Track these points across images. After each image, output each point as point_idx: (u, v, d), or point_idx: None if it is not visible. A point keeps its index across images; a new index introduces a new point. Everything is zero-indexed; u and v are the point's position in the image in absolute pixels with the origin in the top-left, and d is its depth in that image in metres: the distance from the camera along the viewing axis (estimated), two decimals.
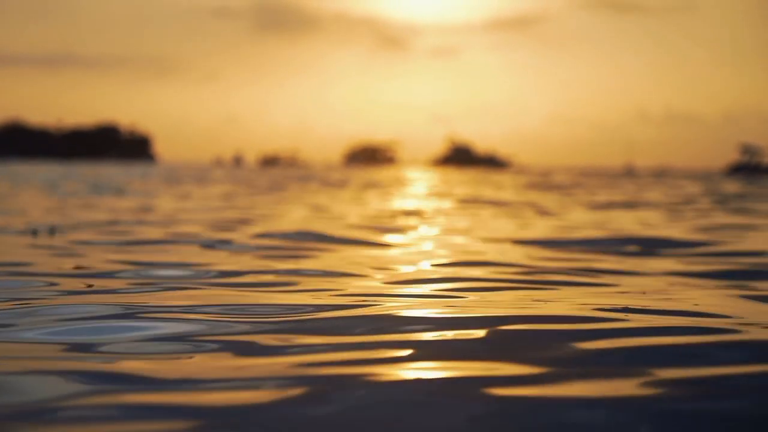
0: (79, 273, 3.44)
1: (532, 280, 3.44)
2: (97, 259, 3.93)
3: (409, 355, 1.96)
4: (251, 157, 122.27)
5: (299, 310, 2.52)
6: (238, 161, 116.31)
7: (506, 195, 14.59)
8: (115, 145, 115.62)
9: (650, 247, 5.13)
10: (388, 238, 5.57)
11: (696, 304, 2.69)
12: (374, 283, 3.29)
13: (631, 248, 5.04)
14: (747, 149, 53.67)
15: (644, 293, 3.01)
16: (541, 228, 6.66)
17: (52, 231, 5.26)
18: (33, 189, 13.69)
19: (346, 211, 8.80)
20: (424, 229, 6.45)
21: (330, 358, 1.93)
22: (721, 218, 8.28)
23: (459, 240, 5.46)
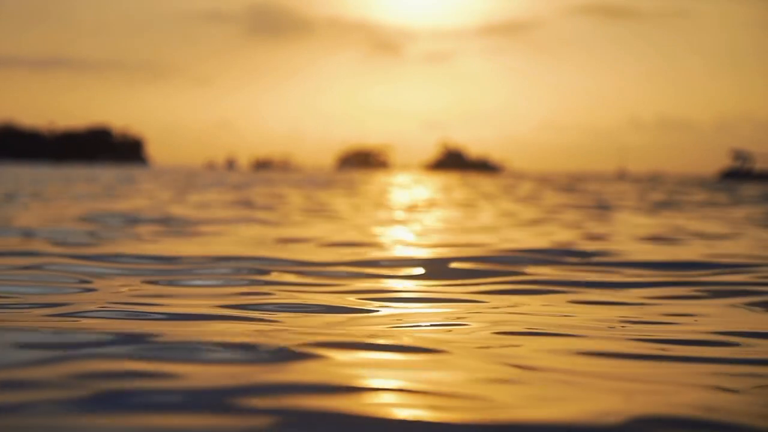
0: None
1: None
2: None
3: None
4: (244, 160, 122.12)
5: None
6: (230, 165, 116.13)
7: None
8: (108, 147, 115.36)
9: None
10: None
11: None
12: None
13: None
14: (739, 155, 53.74)
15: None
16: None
17: None
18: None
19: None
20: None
21: None
22: None
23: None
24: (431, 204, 11.62)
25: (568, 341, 2.21)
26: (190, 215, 7.55)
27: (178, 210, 8.46)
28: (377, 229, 6.33)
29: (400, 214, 8.22)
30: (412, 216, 8.14)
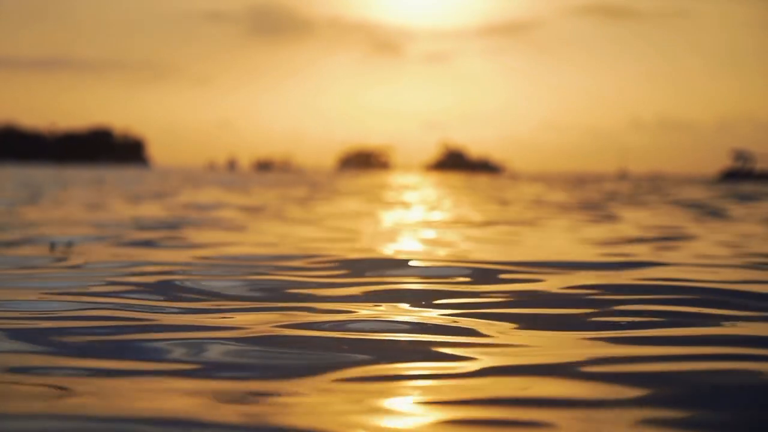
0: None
1: None
2: None
3: None
4: (245, 161, 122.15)
5: None
6: (231, 165, 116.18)
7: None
8: (109, 148, 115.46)
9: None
10: None
11: None
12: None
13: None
14: (739, 155, 53.77)
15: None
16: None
17: (69, 244, 5.11)
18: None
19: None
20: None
21: None
22: None
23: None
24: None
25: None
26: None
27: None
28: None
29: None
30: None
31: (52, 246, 4.95)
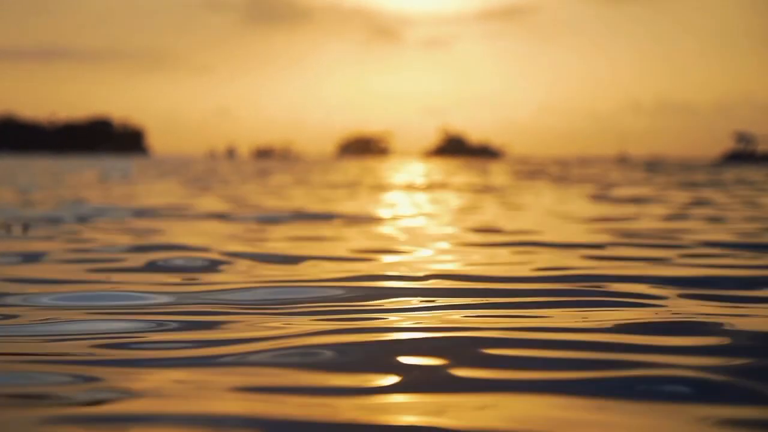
0: None
1: None
2: None
3: None
4: (244, 149, 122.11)
5: None
6: (231, 154, 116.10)
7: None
8: (108, 138, 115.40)
9: None
10: None
11: None
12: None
13: None
14: (741, 137, 53.71)
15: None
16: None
17: (25, 227, 5.15)
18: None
19: None
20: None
21: None
22: None
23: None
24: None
25: None
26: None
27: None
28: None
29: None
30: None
31: (8, 228, 5.01)
